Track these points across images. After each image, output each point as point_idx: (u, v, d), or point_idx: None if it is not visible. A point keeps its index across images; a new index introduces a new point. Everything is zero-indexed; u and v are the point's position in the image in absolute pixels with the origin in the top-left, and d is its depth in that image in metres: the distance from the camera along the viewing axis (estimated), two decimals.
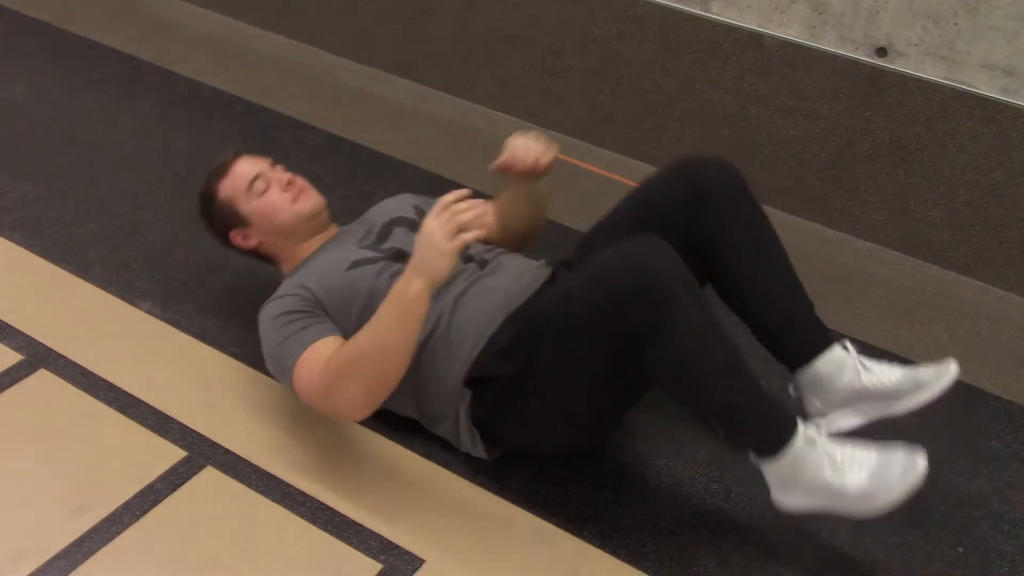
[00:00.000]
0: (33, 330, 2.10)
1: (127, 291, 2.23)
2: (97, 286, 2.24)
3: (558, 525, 1.77)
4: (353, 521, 1.75)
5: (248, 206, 1.94)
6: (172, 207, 2.52)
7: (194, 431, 1.90)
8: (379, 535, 1.73)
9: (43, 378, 2.00)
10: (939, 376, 1.71)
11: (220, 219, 1.97)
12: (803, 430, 1.59)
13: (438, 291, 1.70)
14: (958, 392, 2.09)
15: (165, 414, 1.93)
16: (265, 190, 1.94)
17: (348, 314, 1.79)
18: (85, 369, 2.02)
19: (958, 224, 2.44)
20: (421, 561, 1.69)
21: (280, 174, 1.97)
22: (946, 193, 2.42)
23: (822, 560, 1.75)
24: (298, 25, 3.34)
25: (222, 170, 1.98)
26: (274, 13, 3.37)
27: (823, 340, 1.79)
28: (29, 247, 2.33)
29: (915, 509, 1.83)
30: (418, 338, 1.66)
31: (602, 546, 1.74)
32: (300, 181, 1.98)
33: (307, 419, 1.94)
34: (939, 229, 2.48)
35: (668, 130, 2.75)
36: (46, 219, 2.44)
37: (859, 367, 1.76)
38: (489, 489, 1.83)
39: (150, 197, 2.56)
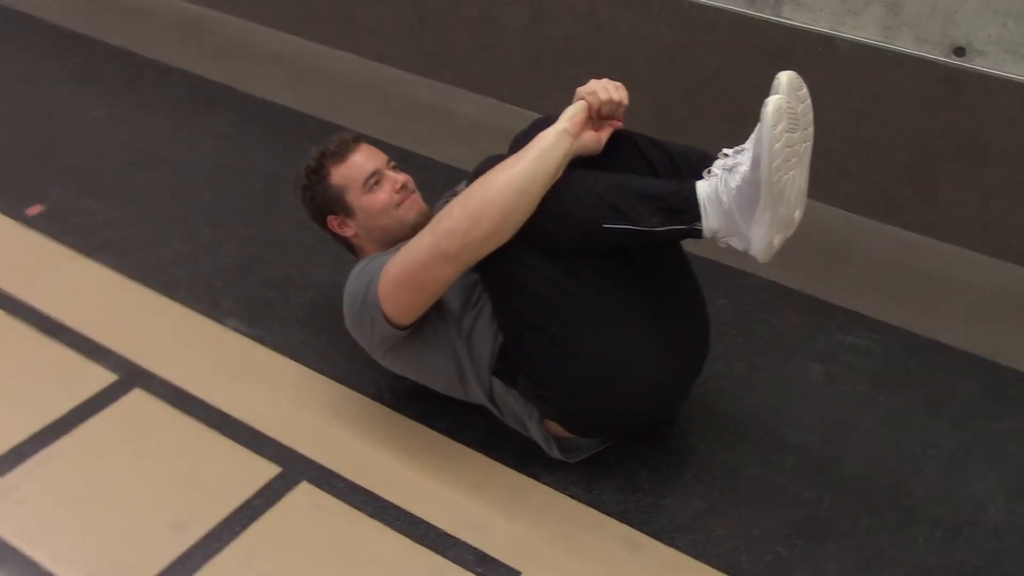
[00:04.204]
0: (126, 350, 2.15)
1: (213, 309, 2.28)
2: (184, 305, 2.29)
3: (651, 535, 1.78)
4: (448, 534, 1.77)
5: (359, 200, 1.96)
6: (252, 224, 2.57)
7: (287, 447, 1.93)
8: (474, 547, 1.74)
9: (138, 397, 2.05)
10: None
11: (324, 201, 1.99)
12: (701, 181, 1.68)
13: (451, 323, 1.84)
14: None
15: (258, 430, 1.97)
16: (377, 187, 1.96)
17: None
18: (178, 388, 2.06)
19: None
20: (517, 573, 1.70)
21: (396, 175, 2.00)
22: None
23: (918, 567, 1.73)
24: (366, 43, 3.37)
25: (341, 155, 1.99)
26: (342, 31, 3.41)
27: None
28: (117, 268, 2.38)
29: (1015, 515, 1.81)
30: (550, 182, 1.67)
31: (696, 555, 1.74)
32: (412, 185, 2.01)
33: (397, 431, 1.97)
34: (1022, 229, 2.44)
35: (742, 137, 2.72)
36: (131, 240, 2.49)
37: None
38: (580, 500, 1.84)
39: (230, 215, 2.61)
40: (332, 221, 2.01)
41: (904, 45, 2.40)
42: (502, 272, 1.74)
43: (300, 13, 3.49)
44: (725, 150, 1.71)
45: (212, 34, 3.55)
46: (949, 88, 2.38)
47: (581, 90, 1.79)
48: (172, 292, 2.33)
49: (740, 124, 2.70)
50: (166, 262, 2.42)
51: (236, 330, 2.22)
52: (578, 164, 1.74)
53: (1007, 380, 2.14)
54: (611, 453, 1.92)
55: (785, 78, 1.58)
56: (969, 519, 1.82)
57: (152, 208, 2.63)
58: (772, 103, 1.55)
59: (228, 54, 3.42)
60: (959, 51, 2.34)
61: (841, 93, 2.52)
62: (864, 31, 2.44)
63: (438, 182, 2.76)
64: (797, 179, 1.62)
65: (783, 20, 2.54)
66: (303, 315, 2.27)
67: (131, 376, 2.09)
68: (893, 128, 2.49)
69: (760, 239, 1.62)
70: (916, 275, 2.45)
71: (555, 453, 1.88)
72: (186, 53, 3.40)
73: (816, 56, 2.53)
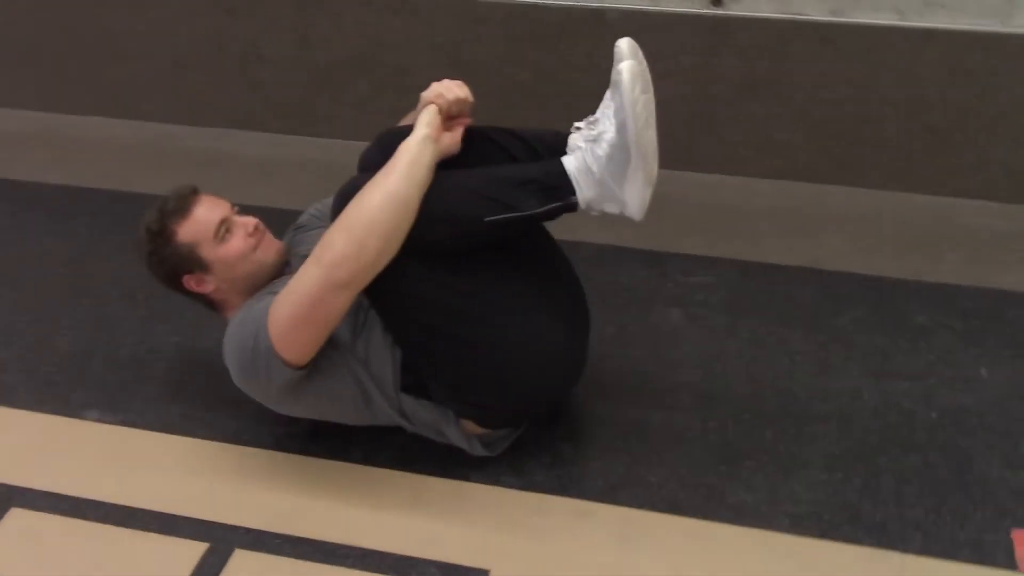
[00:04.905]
0: None
1: (65, 406, 2.12)
2: (30, 410, 2.12)
3: (594, 499, 1.85)
4: (404, 556, 1.75)
5: (213, 252, 1.88)
6: (72, 311, 2.40)
7: (206, 520, 1.84)
8: (435, 561, 1.74)
9: (19, 516, 1.87)
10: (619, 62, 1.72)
11: (175, 262, 1.90)
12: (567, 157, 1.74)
13: (344, 351, 1.82)
14: (878, 284, 2.33)
15: (167, 513, 1.86)
16: (229, 235, 1.90)
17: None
18: (60, 495, 1.91)
19: (817, 141, 2.67)
20: (486, 572, 1.72)
21: (244, 219, 1.93)
22: (801, 116, 2.64)
23: (827, 458, 1.90)
24: (125, 103, 3.21)
25: (183, 210, 1.90)
26: (96, 97, 3.22)
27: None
28: None
29: (885, 392, 2.02)
30: (424, 191, 1.68)
31: (641, 506, 1.83)
32: (262, 226, 1.95)
33: (314, 473, 1.93)
34: (802, 149, 2.70)
35: (533, 119, 2.83)
36: None
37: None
38: (516, 487, 1.88)
39: (44, 307, 2.42)
40: (188, 280, 1.92)
41: (668, 5, 2.60)
42: (391, 288, 1.74)
43: (43, 87, 3.27)
44: (577, 124, 1.79)
45: None
46: (715, 36, 2.60)
47: (427, 95, 1.82)
48: (11, 400, 2.14)
49: (528, 107, 2.82)
50: None
51: (99, 420, 2.08)
52: (441, 167, 1.77)
53: (833, 281, 2.37)
54: (528, 437, 1.96)
55: (626, 44, 1.69)
56: (851, 407, 2.02)
57: None
58: (627, 69, 1.65)
59: None
60: (716, 1, 2.56)
61: None
62: None
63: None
64: (654, 136, 1.73)
65: (551, 2, 2.67)
66: (167, 388, 2.16)
67: (1, 497, 1.91)
68: (673, 82, 2.67)
69: (635, 198, 1.72)
70: (725, 210, 2.66)
71: (478, 450, 1.90)
72: None
73: (589, 30, 2.68)
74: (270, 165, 2.98)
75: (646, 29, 2.63)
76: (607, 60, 2.68)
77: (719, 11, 2.57)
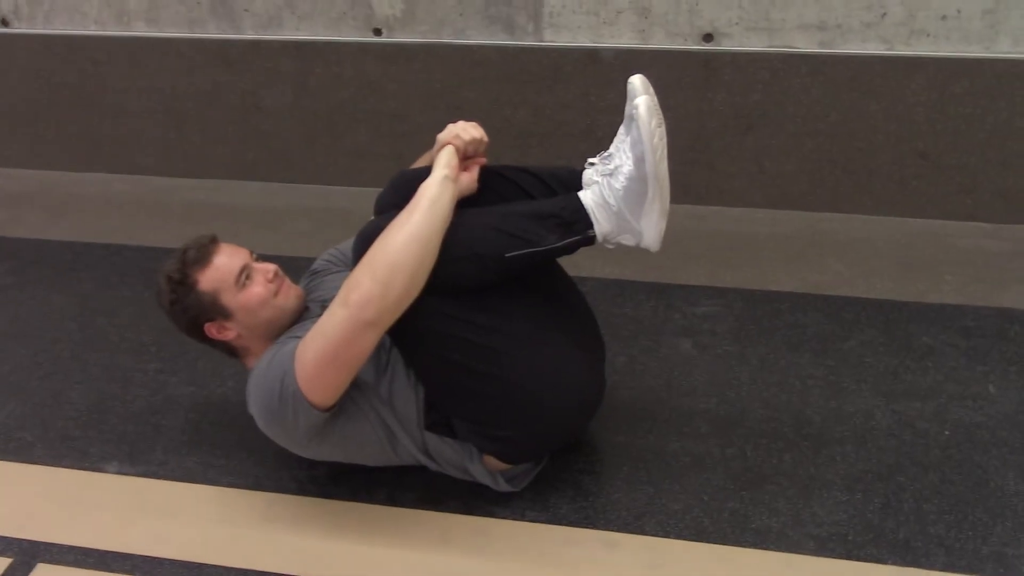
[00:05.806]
0: (7, 529, 1.95)
1: (84, 459, 2.12)
2: (49, 465, 2.11)
3: (619, 530, 1.86)
4: None
5: (234, 299, 1.90)
6: (84, 364, 2.41)
7: (234, 568, 1.83)
8: None
9: (45, 572, 1.87)
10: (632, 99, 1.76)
11: (198, 310, 1.91)
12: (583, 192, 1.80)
13: (369, 392, 1.85)
14: (882, 307, 2.38)
15: (194, 562, 1.85)
16: (249, 282, 1.91)
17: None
18: (85, 548, 1.90)
19: (810, 169, 2.73)
20: None
21: (263, 265, 1.95)
22: (794, 146, 2.71)
23: (847, 480, 1.93)
24: (122, 159, 3.24)
25: (204, 259, 1.91)
26: (93, 154, 3.25)
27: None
28: None
29: (898, 413, 2.05)
30: (445, 229, 1.72)
31: (667, 534, 1.85)
32: (281, 272, 1.97)
33: (340, 516, 1.93)
34: (795, 178, 2.76)
35: (531, 158, 2.90)
36: None
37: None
38: (542, 521, 1.89)
39: (56, 362, 2.42)
40: (210, 328, 1.94)
41: (659, 43, 2.66)
42: (412, 326, 1.76)
43: (41, 145, 3.29)
44: (591, 159, 1.83)
45: None
46: (707, 71, 2.66)
47: (443, 136, 1.86)
48: (29, 456, 2.14)
49: (525, 147, 2.87)
50: (9, 428, 2.22)
51: (120, 472, 2.08)
52: (459, 205, 1.80)
53: (837, 305, 2.42)
54: (551, 471, 1.98)
55: (639, 81, 1.73)
56: (865, 428, 2.05)
57: None
58: (643, 104, 1.69)
59: None
60: (707, 37, 2.63)
61: (614, 97, 2.74)
62: (622, 38, 2.68)
63: None
64: (667, 168, 1.77)
65: (546, 44, 2.73)
66: (186, 438, 2.16)
67: (26, 553, 1.90)
68: (667, 118, 2.72)
69: (652, 229, 1.76)
70: (724, 240, 2.71)
71: (503, 486, 1.92)
72: None
73: (584, 69, 2.74)
74: (271, 214, 3.01)
75: (639, 66, 2.67)
76: (602, 99, 2.77)
77: (711, 47, 2.63)
